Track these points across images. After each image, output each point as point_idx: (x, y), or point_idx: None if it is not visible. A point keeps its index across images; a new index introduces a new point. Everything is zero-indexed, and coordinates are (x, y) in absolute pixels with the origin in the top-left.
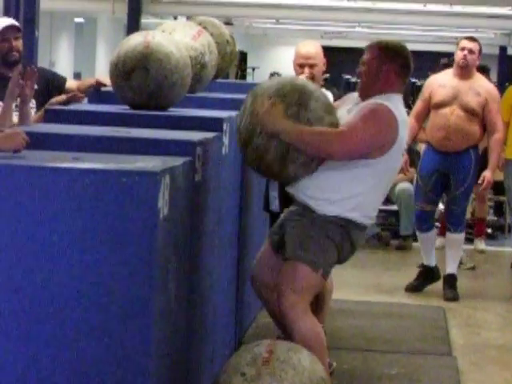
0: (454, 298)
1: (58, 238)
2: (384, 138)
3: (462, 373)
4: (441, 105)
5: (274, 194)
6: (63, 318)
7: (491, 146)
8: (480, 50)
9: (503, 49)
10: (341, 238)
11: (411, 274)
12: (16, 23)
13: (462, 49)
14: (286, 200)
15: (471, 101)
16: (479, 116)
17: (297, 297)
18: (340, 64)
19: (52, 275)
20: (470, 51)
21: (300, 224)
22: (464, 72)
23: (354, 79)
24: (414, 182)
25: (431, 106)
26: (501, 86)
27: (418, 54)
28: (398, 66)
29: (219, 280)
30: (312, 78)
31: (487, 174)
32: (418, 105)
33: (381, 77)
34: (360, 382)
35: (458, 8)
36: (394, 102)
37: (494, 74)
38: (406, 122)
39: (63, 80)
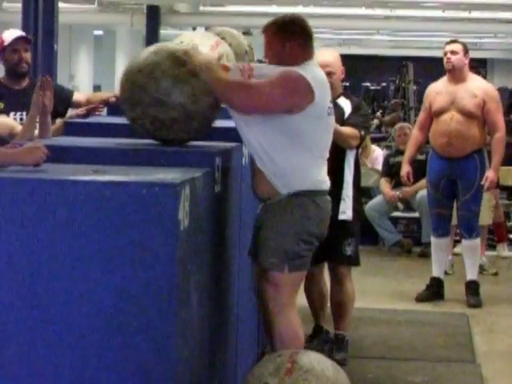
0: (477, 304)
1: (79, 251)
2: (292, 99)
3: (486, 380)
4: (440, 112)
5: None
6: (83, 332)
7: (493, 145)
8: (465, 50)
9: None
10: (295, 221)
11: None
12: (26, 35)
13: (445, 54)
14: None
15: (468, 103)
16: (479, 118)
17: (273, 290)
18: (359, 72)
19: (72, 289)
20: (452, 52)
21: (257, 227)
22: (456, 75)
23: (373, 87)
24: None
25: (432, 115)
26: None
27: (437, 61)
28: (299, 38)
29: (241, 291)
30: (330, 85)
31: (490, 174)
32: (421, 115)
33: (287, 54)
34: None
35: (476, 14)
36: (306, 68)
37: None
38: (323, 84)
39: (70, 93)
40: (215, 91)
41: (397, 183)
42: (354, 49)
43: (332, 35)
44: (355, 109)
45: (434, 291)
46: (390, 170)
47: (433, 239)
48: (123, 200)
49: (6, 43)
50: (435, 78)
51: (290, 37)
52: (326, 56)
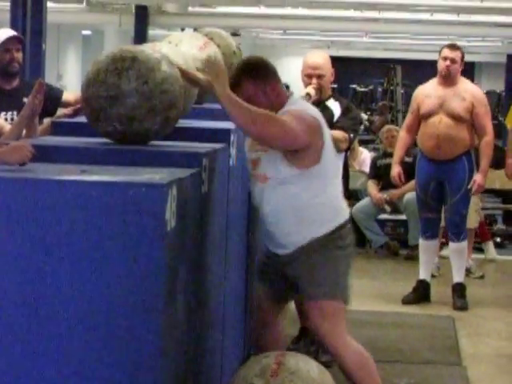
0: (464, 307)
1: (65, 251)
2: (311, 138)
3: (471, 382)
4: (428, 115)
5: None
6: (68, 332)
7: (481, 149)
8: (462, 58)
9: (511, 57)
10: (337, 251)
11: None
12: (18, 35)
13: (444, 58)
14: None
15: (457, 107)
16: (467, 121)
17: (332, 334)
18: (347, 74)
19: (58, 288)
20: (453, 61)
21: (301, 263)
22: (448, 80)
23: (361, 89)
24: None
25: (420, 117)
26: (508, 94)
27: (426, 64)
28: (273, 77)
29: (227, 292)
30: (320, 88)
31: (478, 178)
32: (408, 117)
33: (273, 97)
34: None
35: (464, 17)
36: (303, 104)
37: (501, 83)
38: (320, 116)
39: (60, 92)
40: (226, 110)
41: (384, 185)
42: (343, 51)
43: (320, 37)
44: (345, 111)
45: (421, 294)
46: (378, 172)
47: (421, 241)
48: (110, 200)
49: None
50: (423, 80)
51: (266, 80)
52: (316, 58)
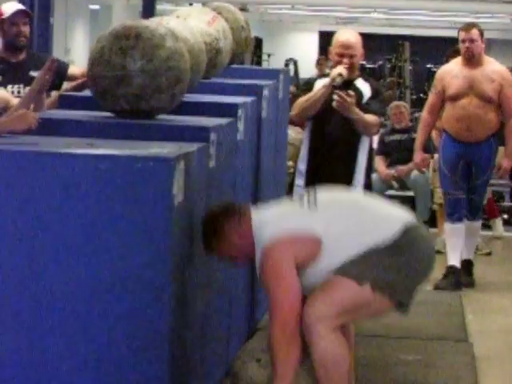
0: (471, 283)
1: (72, 224)
2: (301, 257)
3: (478, 359)
4: (457, 96)
5: (301, 184)
6: (77, 305)
7: (508, 131)
8: (481, 34)
9: None
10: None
11: None
12: (25, 9)
13: (463, 41)
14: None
15: (487, 89)
16: (496, 103)
17: (328, 310)
18: None
19: (66, 262)
20: (471, 40)
21: None
22: (474, 61)
23: (369, 65)
24: (438, 173)
25: (446, 98)
26: None
27: (434, 40)
28: (225, 226)
29: (234, 267)
30: (351, 67)
31: (505, 163)
32: (432, 98)
33: (235, 239)
34: (376, 368)
35: None
36: (264, 223)
37: (510, 59)
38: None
39: (66, 66)
40: None
41: (392, 162)
42: (351, 27)
43: (328, 13)
44: (375, 93)
45: (452, 280)
46: (385, 149)
47: (447, 225)
48: (117, 174)
49: (5, 16)
50: (431, 57)
51: (224, 232)
52: (348, 36)
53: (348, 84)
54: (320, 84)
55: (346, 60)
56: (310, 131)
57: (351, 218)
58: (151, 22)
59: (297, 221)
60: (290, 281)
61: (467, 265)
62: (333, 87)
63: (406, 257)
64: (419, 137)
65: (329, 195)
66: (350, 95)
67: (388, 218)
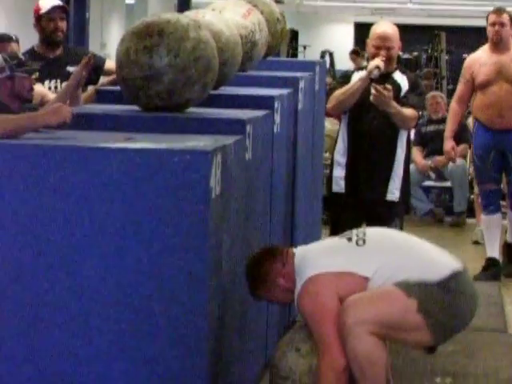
0: None
1: (111, 219)
2: (342, 293)
3: None
4: (486, 84)
5: (340, 175)
6: (115, 299)
7: None
8: (511, 19)
9: None
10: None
11: (466, 251)
12: (63, 4)
13: (493, 24)
14: (354, 182)
15: None
16: None
17: (369, 315)
18: None
19: (105, 257)
20: (502, 24)
21: None
22: (501, 46)
23: (405, 56)
24: (472, 163)
25: (476, 87)
26: None
27: (470, 30)
28: (271, 270)
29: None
30: (388, 60)
31: None
32: (460, 88)
33: (281, 282)
34: (415, 358)
35: None
36: (306, 262)
37: None
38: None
39: (102, 61)
40: None
41: (429, 152)
42: (387, 18)
43: (364, 4)
44: (413, 86)
45: (491, 272)
46: (422, 139)
47: (484, 217)
48: (155, 167)
49: (42, 11)
50: (467, 47)
51: (270, 277)
52: (386, 28)
53: (385, 77)
54: (357, 77)
55: (383, 52)
56: (348, 124)
57: (401, 258)
58: (171, 15)
59: (343, 257)
60: (335, 314)
61: (509, 250)
62: (370, 80)
63: (454, 299)
64: (448, 126)
65: (379, 233)
66: (387, 89)
67: (438, 262)
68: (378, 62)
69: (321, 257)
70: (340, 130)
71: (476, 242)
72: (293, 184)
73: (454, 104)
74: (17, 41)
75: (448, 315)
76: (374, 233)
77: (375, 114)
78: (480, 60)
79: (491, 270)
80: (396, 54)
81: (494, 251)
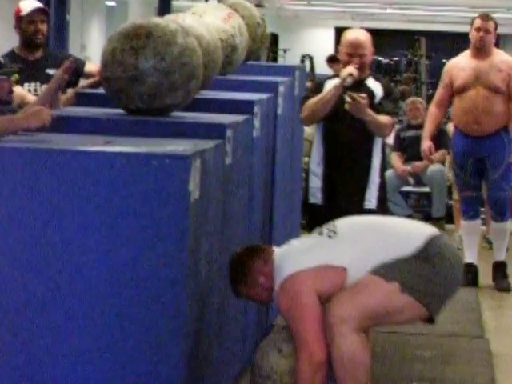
0: (508, 287)
1: (88, 222)
2: (325, 288)
3: (494, 355)
4: (464, 88)
5: (317, 186)
6: (93, 302)
7: None
8: (496, 28)
9: None
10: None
11: None
12: (44, 7)
13: (478, 29)
14: (331, 192)
15: (495, 79)
16: (504, 93)
17: (354, 311)
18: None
19: (82, 259)
20: (487, 31)
21: None
22: (482, 52)
23: (385, 61)
24: (451, 170)
25: (454, 91)
26: None
27: (450, 36)
28: (255, 266)
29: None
30: (361, 68)
31: None
32: (440, 92)
33: (262, 280)
34: (392, 364)
35: None
36: (284, 260)
37: None
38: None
39: (82, 63)
40: None
41: (408, 158)
42: (367, 23)
43: (345, 8)
44: (387, 93)
45: (468, 278)
46: (401, 145)
47: (463, 222)
48: (134, 171)
49: (23, 13)
50: (447, 52)
51: (251, 275)
52: (357, 35)
53: (359, 84)
54: (330, 85)
55: (356, 60)
56: (322, 133)
57: (373, 240)
58: (161, 19)
59: (317, 253)
60: (313, 310)
61: (502, 267)
62: (344, 88)
63: (434, 266)
64: (426, 127)
65: (347, 222)
66: (362, 97)
67: (410, 234)
68: (351, 69)
69: (296, 254)
70: (314, 139)
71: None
72: (271, 188)
73: (432, 108)
74: None
75: (433, 283)
76: (343, 223)
77: (350, 123)
78: (459, 64)
79: (469, 275)
80: (369, 60)
81: (473, 257)
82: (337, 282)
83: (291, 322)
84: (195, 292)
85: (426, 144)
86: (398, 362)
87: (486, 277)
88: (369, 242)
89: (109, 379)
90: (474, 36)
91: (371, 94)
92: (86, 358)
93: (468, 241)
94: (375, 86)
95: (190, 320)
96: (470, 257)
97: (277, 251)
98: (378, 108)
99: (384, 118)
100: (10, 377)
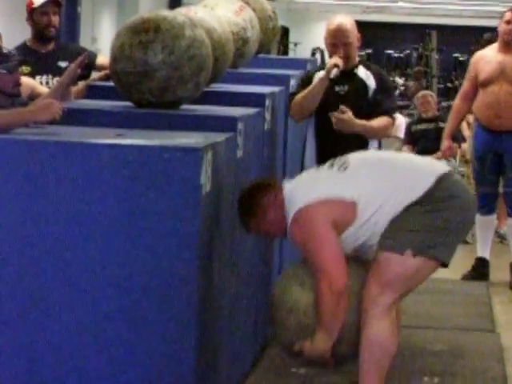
0: None
1: (101, 215)
2: (329, 221)
3: (505, 349)
4: (488, 82)
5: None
6: (105, 295)
7: None
8: None
9: None
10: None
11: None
12: None
13: (508, 22)
14: None
15: None
16: None
17: (380, 290)
18: (382, 39)
19: (93, 251)
20: None
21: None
22: (510, 45)
23: (396, 54)
24: (472, 164)
25: (478, 84)
26: None
27: (461, 29)
28: (265, 200)
29: (262, 257)
30: (347, 57)
31: None
32: (465, 84)
33: (271, 214)
34: (403, 358)
35: None
36: (294, 193)
37: None
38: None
39: (94, 56)
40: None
41: (419, 151)
42: (377, 16)
43: (355, 2)
44: (381, 84)
45: (480, 272)
46: (413, 138)
47: (478, 217)
48: (146, 164)
49: (35, 5)
50: (458, 46)
51: (260, 209)
52: (340, 22)
53: (348, 74)
54: (319, 77)
55: (340, 49)
56: (315, 128)
57: (383, 176)
58: (168, 12)
59: (328, 185)
60: (329, 238)
61: None
62: (330, 80)
63: (444, 212)
64: (449, 124)
65: (359, 156)
66: (344, 111)
67: (421, 172)
68: (336, 60)
69: (307, 187)
70: (307, 134)
71: (465, 242)
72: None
73: (457, 101)
74: None
75: (443, 232)
76: (355, 157)
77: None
78: (486, 57)
79: (480, 269)
80: (355, 48)
81: (486, 252)
82: (347, 215)
83: (308, 253)
84: (206, 284)
85: (446, 144)
86: (409, 356)
87: (496, 271)
88: (380, 177)
89: (121, 375)
90: (502, 29)
91: (363, 86)
92: (96, 354)
93: (482, 236)
94: (367, 77)
95: (202, 314)
96: (482, 251)
97: (287, 185)
98: (373, 106)
99: (380, 122)
100: (16, 375)
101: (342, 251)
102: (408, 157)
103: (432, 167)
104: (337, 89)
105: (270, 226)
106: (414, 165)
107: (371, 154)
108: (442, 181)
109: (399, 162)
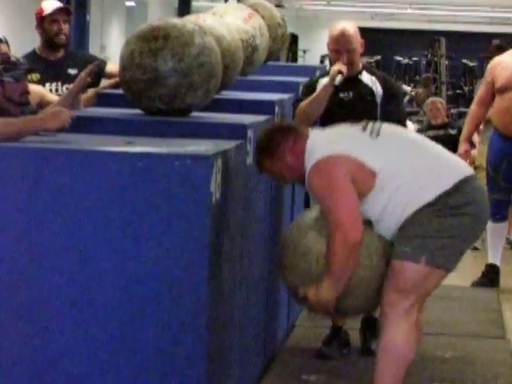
0: None
1: (110, 222)
2: (348, 175)
3: None
4: (505, 88)
5: None
6: (114, 304)
7: None
8: None
9: None
10: (440, 219)
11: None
12: (66, 6)
13: None
14: None
15: None
16: None
17: (398, 296)
18: (391, 46)
19: (104, 259)
20: None
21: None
22: None
23: (405, 61)
24: (485, 170)
25: (495, 90)
26: None
27: (470, 36)
28: (283, 144)
29: (272, 264)
30: (351, 63)
31: None
32: (482, 90)
33: (293, 157)
34: (413, 364)
35: None
36: (318, 144)
37: None
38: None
39: (103, 63)
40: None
41: None
42: (386, 23)
43: (364, 9)
44: (389, 92)
45: (491, 278)
46: None
47: (490, 224)
48: (155, 172)
49: (45, 13)
50: (467, 52)
51: (279, 150)
52: (343, 29)
53: (352, 81)
54: (323, 84)
55: (344, 55)
56: None
57: (410, 159)
58: (178, 20)
59: (355, 145)
60: (348, 189)
61: None
62: (334, 87)
63: (460, 218)
64: (465, 128)
65: (392, 129)
66: None
67: (446, 168)
68: (339, 66)
69: (334, 141)
70: None
71: (475, 248)
72: (293, 188)
73: (473, 106)
74: (6, 42)
75: (455, 239)
76: (388, 129)
77: (349, 119)
78: (503, 63)
79: (490, 276)
80: (359, 53)
81: (496, 259)
82: (364, 182)
83: (324, 203)
84: (216, 292)
85: (463, 149)
86: (419, 362)
87: (506, 277)
88: (406, 158)
89: (130, 378)
90: None
91: (369, 91)
92: (106, 356)
93: (493, 242)
94: (372, 82)
95: (212, 320)
96: (493, 258)
97: (313, 134)
98: (384, 116)
99: None
100: (25, 375)
101: (359, 205)
102: (439, 149)
103: (458, 167)
104: (341, 95)
105: (285, 170)
106: (441, 158)
107: (405, 131)
108: (463, 184)
109: (429, 150)
